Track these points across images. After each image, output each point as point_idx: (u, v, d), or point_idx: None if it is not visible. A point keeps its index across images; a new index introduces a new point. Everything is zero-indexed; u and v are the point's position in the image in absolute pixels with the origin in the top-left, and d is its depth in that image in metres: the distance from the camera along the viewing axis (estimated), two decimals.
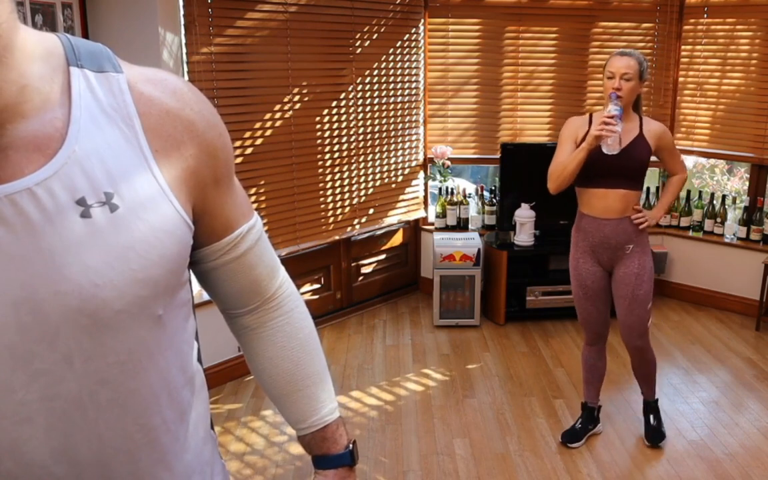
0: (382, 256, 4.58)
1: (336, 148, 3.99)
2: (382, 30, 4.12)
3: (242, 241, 0.87)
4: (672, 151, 2.76)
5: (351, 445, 0.99)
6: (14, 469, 0.67)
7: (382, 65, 4.15)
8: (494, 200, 4.48)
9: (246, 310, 0.93)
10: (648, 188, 4.49)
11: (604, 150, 2.49)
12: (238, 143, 3.49)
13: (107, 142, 0.70)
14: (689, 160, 6.14)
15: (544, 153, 4.32)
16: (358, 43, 4.00)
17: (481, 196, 4.58)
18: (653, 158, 2.70)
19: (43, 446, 0.68)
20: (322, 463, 0.98)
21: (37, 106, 0.67)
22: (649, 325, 2.76)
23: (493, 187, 4.59)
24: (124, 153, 0.71)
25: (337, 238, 4.11)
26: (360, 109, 4.08)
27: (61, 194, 0.66)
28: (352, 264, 4.39)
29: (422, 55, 4.38)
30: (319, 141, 3.90)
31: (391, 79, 4.23)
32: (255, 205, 3.62)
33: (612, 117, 2.45)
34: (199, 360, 0.90)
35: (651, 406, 2.96)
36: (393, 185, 4.40)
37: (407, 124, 4.40)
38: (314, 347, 0.98)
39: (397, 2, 4.15)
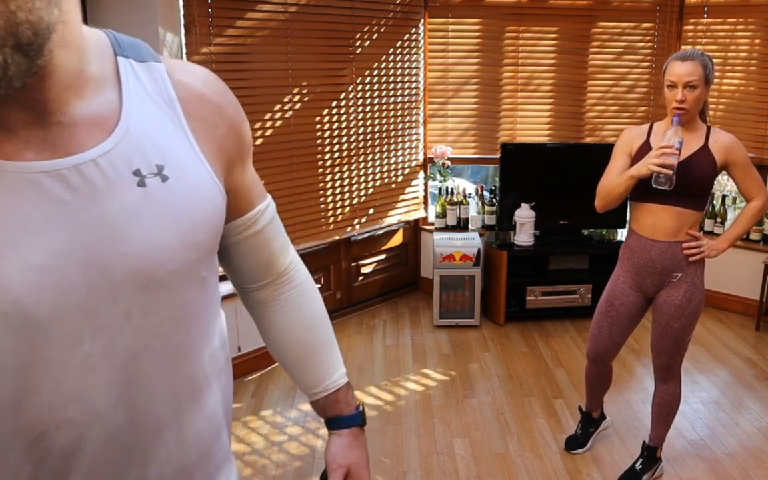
0: (382, 256, 4.58)
1: (336, 148, 3.99)
2: (382, 30, 4.12)
3: (261, 217, 0.95)
4: (746, 169, 2.33)
5: (361, 406, 1.08)
6: (79, 416, 0.72)
7: (382, 65, 4.16)
8: (494, 200, 4.48)
9: (261, 284, 1.01)
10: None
11: (655, 183, 2.21)
12: None
13: (154, 122, 0.78)
14: None
15: (544, 153, 4.34)
16: (358, 43, 4.00)
17: (481, 196, 4.58)
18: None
19: (105, 395, 0.73)
20: (337, 424, 1.06)
21: (93, 88, 0.74)
22: (681, 360, 2.51)
23: (493, 187, 4.59)
24: (170, 131, 0.79)
25: (337, 238, 4.11)
26: (360, 109, 4.08)
27: (120, 165, 0.73)
28: (352, 264, 4.39)
29: (422, 55, 4.38)
30: (319, 141, 3.90)
31: (391, 79, 4.23)
32: None
33: (670, 147, 2.16)
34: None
35: (648, 451, 2.66)
36: (393, 185, 4.40)
37: (407, 124, 4.40)
38: (324, 317, 1.07)
39: (397, 2, 4.15)
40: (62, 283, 0.69)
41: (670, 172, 2.16)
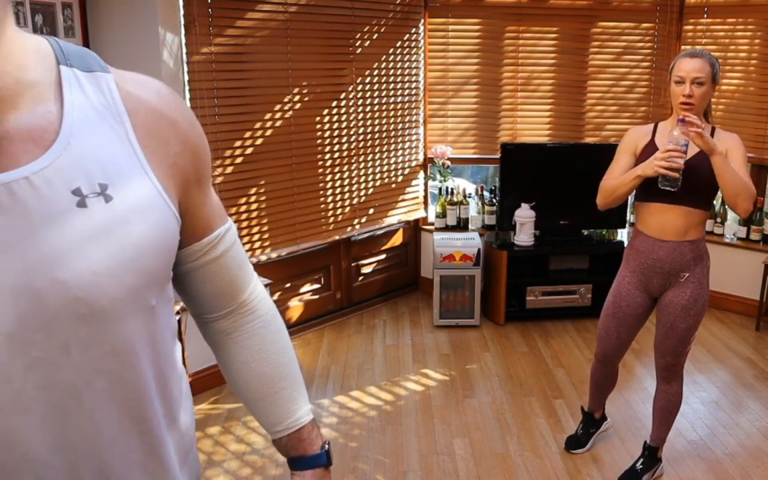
0: (382, 256, 4.58)
1: (336, 148, 3.99)
2: (382, 30, 4.12)
3: (220, 242, 0.88)
4: (739, 163, 2.24)
5: (327, 446, 1.01)
6: (8, 461, 0.66)
7: (382, 65, 4.16)
8: (494, 200, 4.48)
9: (221, 313, 0.94)
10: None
11: (661, 185, 2.20)
12: (238, 143, 3.49)
13: (99, 137, 0.71)
14: None
15: (544, 153, 4.33)
16: (358, 43, 4.00)
17: (481, 196, 4.58)
18: None
19: (39, 437, 0.67)
20: (299, 464, 0.99)
21: (30, 99, 0.68)
22: (684, 360, 2.51)
23: (493, 187, 4.59)
24: (116, 147, 0.72)
25: (337, 238, 4.11)
26: (360, 109, 4.08)
27: (58, 184, 0.66)
28: (352, 264, 4.39)
29: (422, 55, 4.38)
30: (319, 141, 3.90)
31: (391, 79, 4.23)
32: (255, 205, 3.62)
33: (677, 150, 2.14)
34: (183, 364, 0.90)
35: (649, 451, 2.66)
36: (393, 185, 4.40)
37: (407, 124, 4.40)
38: (289, 351, 0.99)
39: (397, 2, 4.15)
40: None
41: (676, 174, 2.16)
